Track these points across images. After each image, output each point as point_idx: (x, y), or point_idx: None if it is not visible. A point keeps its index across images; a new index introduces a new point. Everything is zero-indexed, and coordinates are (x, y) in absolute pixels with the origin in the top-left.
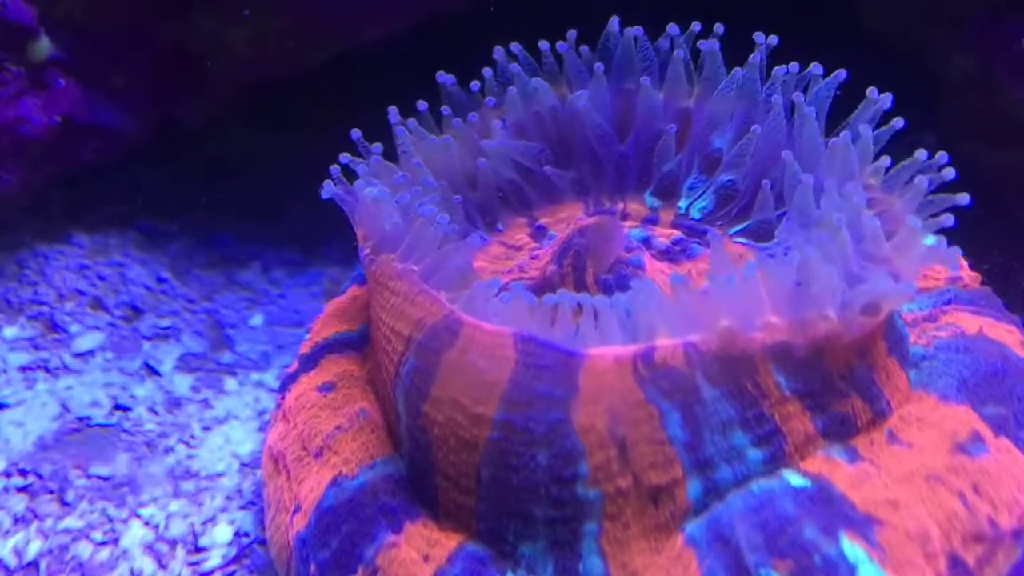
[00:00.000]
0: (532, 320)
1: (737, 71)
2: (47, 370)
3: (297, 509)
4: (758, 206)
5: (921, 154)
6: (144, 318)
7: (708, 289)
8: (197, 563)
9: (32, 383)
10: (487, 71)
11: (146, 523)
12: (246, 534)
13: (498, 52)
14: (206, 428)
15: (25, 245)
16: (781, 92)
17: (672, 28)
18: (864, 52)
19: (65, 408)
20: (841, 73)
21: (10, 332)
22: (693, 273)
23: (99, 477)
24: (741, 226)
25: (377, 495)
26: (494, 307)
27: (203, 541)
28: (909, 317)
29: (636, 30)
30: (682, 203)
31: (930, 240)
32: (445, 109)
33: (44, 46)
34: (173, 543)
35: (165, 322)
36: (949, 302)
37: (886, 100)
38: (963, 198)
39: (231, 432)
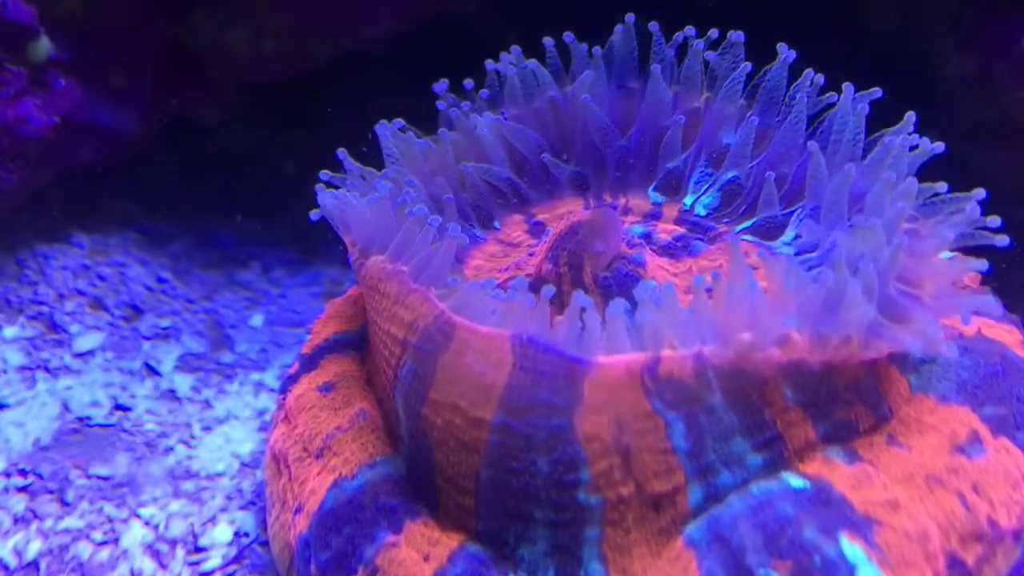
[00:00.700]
0: (531, 321)
1: (747, 66)
2: (47, 370)
3: (299, 510)
4: (763, 201)
5: (976, 200)
6: (144, 318)
7: (727, 299)
8: (197, 563)
9: (32, 383)
10: (489, 63)
11: (146, 523)
12: (246, 534)
13: (498, 62)
14: (206, 428)
15: (25, 245)
16: (804, 94)
17: (688, 29)
18: (863, 51)
19: (65, 408)
20: (876, 91)
21: (10, 332)
22: (694, 270)
23: (99, 477)
24: (748, 223)
25: (377, 495)
26: (490, 306)
27: (203, 541)
28: None
29: (651, 25)
30: (687, 199)
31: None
32: (441, 104)
33: (44, 46)
34: (173, 543)
35: (165, 322)
36: None
37: (910, 120)
38: (1003, 240)
39: (231, 432)
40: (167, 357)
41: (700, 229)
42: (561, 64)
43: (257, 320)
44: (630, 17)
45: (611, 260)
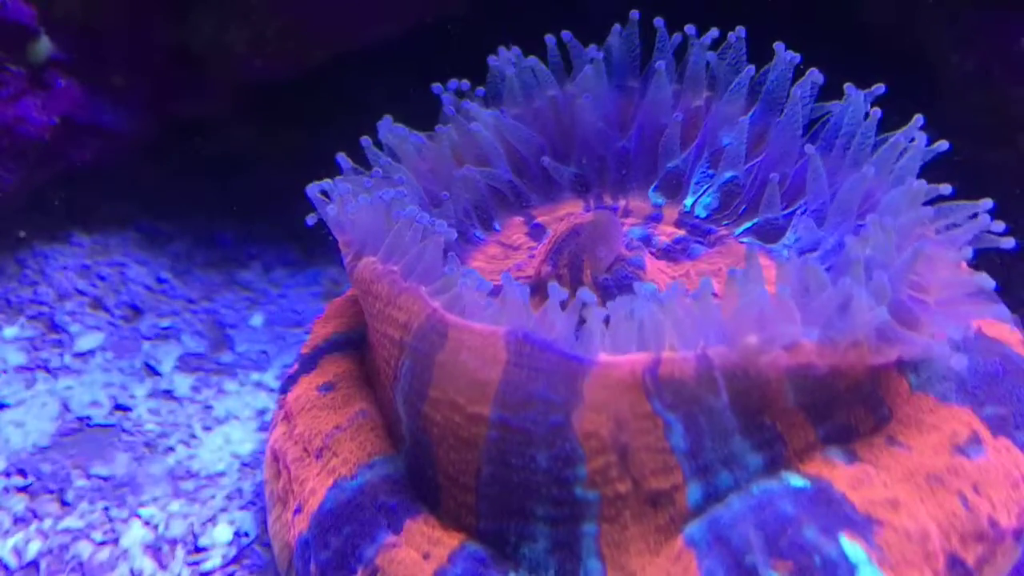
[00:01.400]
0: (526, 317)
1: (750, 68)
2: (47, 370)
3: (299, 510)
4: (765, 203)
5: (986, 208)
6: (144, 318)
7: (738, 303)
8: (197, 563)
9: (32, 383)
10: (491, 59)
11: (146, 523)
12: (246, 534)
13: (497, 56)
14: (206, 428)
15: (25, 245)
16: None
17: (689, 28)
18: (863, 50)
19: (65, 408)
20: (880, 88)
21: (10, 332)
22: (692, 274)
23: (99, 477)
24: (748, 224)
25: (376, 495)
26: (482, 302)
27: (203, 541)
28: None
29: (656, 21)
30: (688, 200)
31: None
32: (447, 98)
33: (44, 46)
34: (173, 543)
35: (165, 322)
36: None
37: (917, 122)
38: (1008, 242)
39: (231, 432)
40: (167, 357)
41: (700, 232)
42: (561, 62)
43: (257, 320)
44: (635, 14)
45: (611, 263)
